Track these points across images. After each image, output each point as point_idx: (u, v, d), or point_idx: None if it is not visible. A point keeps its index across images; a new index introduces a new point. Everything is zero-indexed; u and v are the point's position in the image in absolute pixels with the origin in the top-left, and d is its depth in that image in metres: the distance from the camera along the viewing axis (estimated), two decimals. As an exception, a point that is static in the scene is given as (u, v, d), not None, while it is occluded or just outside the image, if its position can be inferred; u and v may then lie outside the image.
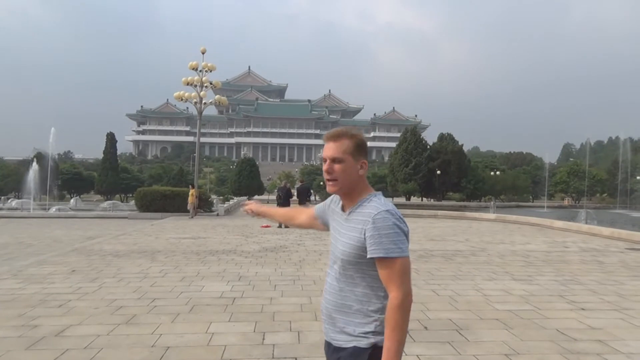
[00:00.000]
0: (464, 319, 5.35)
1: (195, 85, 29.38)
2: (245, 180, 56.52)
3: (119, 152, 61.46)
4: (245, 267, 8.60)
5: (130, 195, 40.90)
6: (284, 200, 17.68)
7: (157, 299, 6.17)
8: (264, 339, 4.63)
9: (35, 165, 33.25)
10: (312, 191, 20.97)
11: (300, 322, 5.18)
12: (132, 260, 9.35)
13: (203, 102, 30.30)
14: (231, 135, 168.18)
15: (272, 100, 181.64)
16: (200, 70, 29.26)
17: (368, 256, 1.75)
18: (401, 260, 1.73)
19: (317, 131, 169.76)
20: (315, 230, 2.30)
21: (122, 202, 38.34)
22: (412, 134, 62.96)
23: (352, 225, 1.82)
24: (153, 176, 54.96)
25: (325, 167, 1.85)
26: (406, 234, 1.78)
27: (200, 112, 30.80)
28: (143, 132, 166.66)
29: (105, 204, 32.44)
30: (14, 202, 32.38)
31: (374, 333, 1.79)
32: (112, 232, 14.98)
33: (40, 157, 39.87)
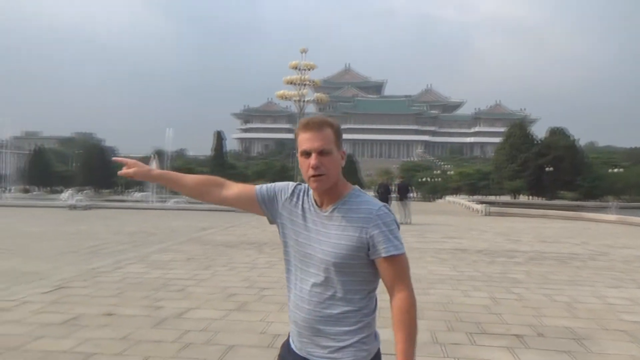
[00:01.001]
0: (585, 328, 4.93)
1: (296, 84, 30.31)
2: (344, 177, 57.29)
3: (227, 149, 65.41)
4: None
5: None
6: (383, 196, 17.60)
7: (265, 288, 6.46)
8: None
9: (154, 162, 36.53)
10: (411, 187, 20.59)
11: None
12: (242, 250, 9.90)
13: (304, 99, 31.17)
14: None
15: (370, 96, 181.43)
16: (300, 69, 30.16)
17: (374, 257, 1.60)
18: (405, 256, 1.65)
19: (416, 127, 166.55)
20: (242, 210, 1.90)
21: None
22: (519, 128, 59.26)
23: (343, 224, 1.61)
24: (257, 172, 57.78)
25: (313, 161, 1.58)
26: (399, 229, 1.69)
27: (301, 110, 31.70)
28: (247, 130, 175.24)
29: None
30: (137, 195, 35.85)
31: (366, 341, 1.64)
32: (222, 224, 15.96)
33: (158, 155, 43.70)
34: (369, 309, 1.66)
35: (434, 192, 52.82)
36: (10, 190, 36.55)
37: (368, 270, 1.64)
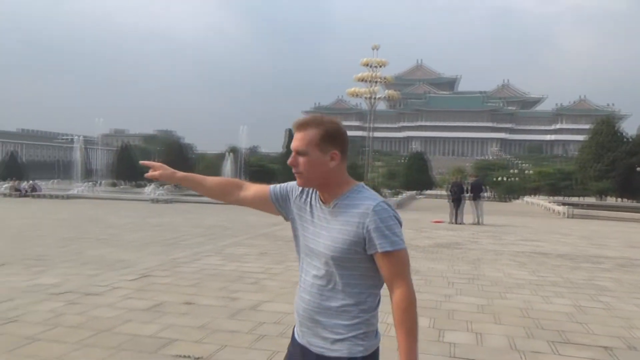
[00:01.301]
0: (685, 343, 4.50)
1: (367, 81, 30.16)
2: (415, 175, 56.20)
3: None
4: (418, 262, 8.54)
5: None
6: (457, 195, 17.08)
7: (336, 285, 6.49)
8: (442, 336, 4.54)
9: (229, 159, 37.97)
10: (485, 187, 19.76)
11: (480, 324, 4.95)
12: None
13: (375, 96, 30.95)
14: (401, 129, 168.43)
15: (442, 93, 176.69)
16: (371, 66, 29.96)
17: (370, 252, 1.60)
18: (404, 252, 1.61)
19: (492, 124, 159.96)
20: (259, 210, 1.94)
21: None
22: (606, 125, 55.04)
23: (343, 218, 1.64)
24: (327, 169, 58.34)
25: (289, 160, 1.67)
26: (401, 225, 1.65)
27: (372, 107, 31.50)
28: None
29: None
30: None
31: (363, 337, 1.63)
32: (292, 220, 16.27)
33: (232, 151, 45.32)
34: (369, 305, 1.65)
35: (510, 192, 50.47)
36: (100, 183, 39.45)
37: (367, 265, 1.63)
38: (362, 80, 30.35)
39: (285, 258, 8.49)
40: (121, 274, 6.79)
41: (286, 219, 1.84)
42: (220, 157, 62.09)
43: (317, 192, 1.74)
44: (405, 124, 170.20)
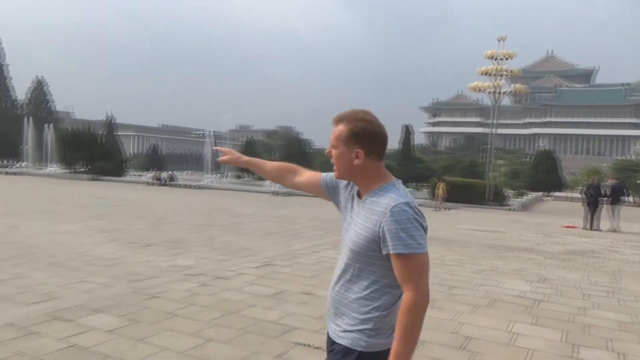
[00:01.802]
0: None
1: (492, 75, 28.54)
2: (542, 175, 52.13)
3: (414, 143, 65.46)
4: (547, 269, 7.90)
5: (424, 184, 42.85)
6: (594, 198, 15.47)
7: (455, 287, 6.26)
8: (576, 352, 4.15)
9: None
10: (626, 190, 17.54)
11: (622, 343, 4.43)
12: (429, 246, 9.74)
13: (500, 91, 29.19)
14: (526, 125, 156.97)
15: (576, 85, 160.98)
16: (497, 59, 28.27)
17: (385, 252, 1.59)
18: (421, 257, 1.58)
19: (635, 120, 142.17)
20: (312, 195, 2.02)
21: (416, 190, 40.73)
22: None
23: (366, 214, 1.66)
24: (444, 167, 56.42)
25: (326, 151, 1.74)
26: (425, 229, 1.61)
27: (496, 102, 29.78)
28: (435, 124, 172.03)
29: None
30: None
31: (369, 334, 1.64)
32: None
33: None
34: (382, 303, 1.65)
35: (657, 197, 44.55)
36: (227, 175, 42.51)
37: (384, 263, 1.62)
38: (486, 74, 28.77)
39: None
40: (246, 260, 7.24)
41: (337, 207, 1.87)
42: (336, 152, 63.45)
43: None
44: (532, 119, 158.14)
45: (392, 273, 1.63)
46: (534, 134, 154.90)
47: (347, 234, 1.72)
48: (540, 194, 42.39)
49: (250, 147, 68.49)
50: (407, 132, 61.74)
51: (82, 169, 34.31)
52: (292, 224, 12.26)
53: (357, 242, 1.65)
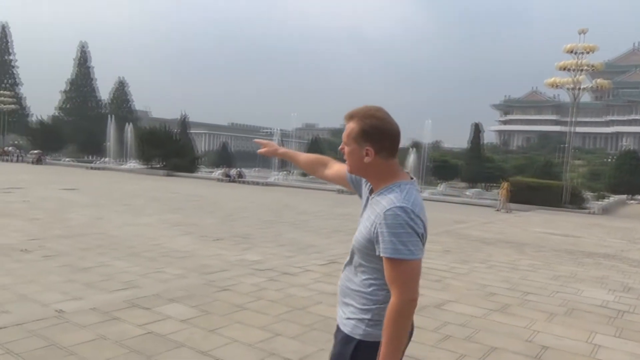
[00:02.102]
0: None
1: (571, 70, 26.90)
2: (625, 176, 48.49)
3: (483, 142, 63.20)
4: (632, 278, 7.35)
5: (493, 184, 41.30)
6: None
7: (529, 293, 5.97)
8: (667, 369, 3.82)
9: (412, 153, 37.95)
10: None
11: None
12: (500, 249, 9.40)
13: (580, 87, 27.46)
14: (608, 123, 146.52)
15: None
16: (576, 53, 26.60)
17: (377, 253, 1.61)
18: (409, 264, 1.56)
19: None
20: (340, 186, 2.12)
21: (485, 190, 39.27)
22: None
23: (368, 213, 1.70)
24: (517, 166, 53.93)
25: (340, 147, 1.77)
26: (420, 235, 1.58)
27: (575, 99, 28.08)
28: (507, 122, 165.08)
29: (470, 191, 33.90)
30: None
31: (368, 324, 1.69)
32: (477, 219, 15.49)
33: (415, 146, 45.17)
34: (380, 298, 1.68)
35: None
36: (293, 172, 43.19)
37: (380, 262, 1.63)
38: (565, 69, 27.15)
39: (470, 258, 8.12)
40: (312, 258, 7.31)
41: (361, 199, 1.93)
42: (403, 151, 62.51)
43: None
44: (615, 117, 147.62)
45: None
46: (617, 133, 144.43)
47: (357, 229, 1.78)
48: (624, 196, 39.45)
49: (315, 145, 69.12)
50: (477, 130, 59.73)
51: (158, 165, 36.18)
52: (357, 222, 12.22)
53: (358, 238, 1.71)
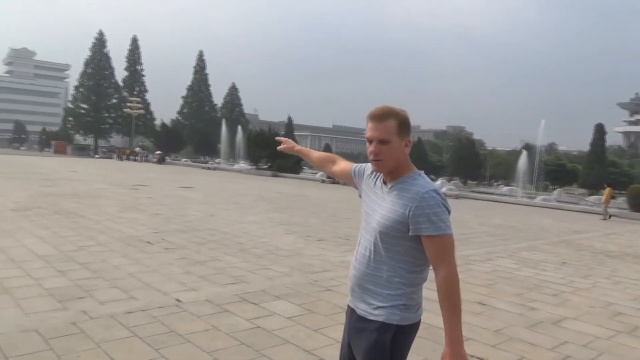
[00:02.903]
0: None
1: None
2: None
3: (606, 144, 57.36)
4: None
5: (620, 191, 37.39)
6: None
7: (665, 316, 5.28)
8: None
9: (523, 156, 35.58)
10: None
11: None
12: (627, 264, 8.45)
13: None
14: None
15: None
16: None
17: (412, 233, 1.74)
18: (449, 237, 1.74)
19: None
20: (346, 184, 2.24)
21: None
22: None
23: (394, 200, 1.80)
24: (647, 172, 48.28)
25: (371, 148, 1.81)
26: (450, 213, 1.75)
27: None
28: (636, 123, 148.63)
29: (591, 198, 30.94)
30: (503, 188, 35.79)
31: (402, 308, 1.77)
32: (599, 229, 14.10)
33: (527, 149, 42.25)
34: (410, 280, 1.79)
35: None
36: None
37: (410, 244, 1.77)
38: None
39: (592, 272, 7.40)
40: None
41: (360, 196, 2.04)
42: (513, 154, 58.85)
43: (381, 174, 1.91)
44: None
45: (418, 253, 1.78)
46: None
47: (373, 216, 1.86)
48: None
49: (418, 148, 67.79)
50: (600, 131, 54.36)
51: (265, 166, 37.85)
52: (462, 228, 11.73)
53: (384, 224, 1.79)
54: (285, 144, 2.52)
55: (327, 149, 78.82)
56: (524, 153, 36.33)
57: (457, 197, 24.68)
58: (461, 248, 8.78)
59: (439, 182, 32.15)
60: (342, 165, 2.25)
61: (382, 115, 1.81)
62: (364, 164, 2.12)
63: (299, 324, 4.19)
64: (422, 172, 1.88)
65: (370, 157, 1.84)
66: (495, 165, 64.72)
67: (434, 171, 65.14)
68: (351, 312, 1.94)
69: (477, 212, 16.79)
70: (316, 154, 2.44)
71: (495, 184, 54.64)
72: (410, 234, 1.75)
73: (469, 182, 57.88)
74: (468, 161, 57.41)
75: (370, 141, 1.83)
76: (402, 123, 1.82)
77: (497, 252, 8.58)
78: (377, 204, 1.87)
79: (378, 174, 1.95)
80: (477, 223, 13.28)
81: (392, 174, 1.86)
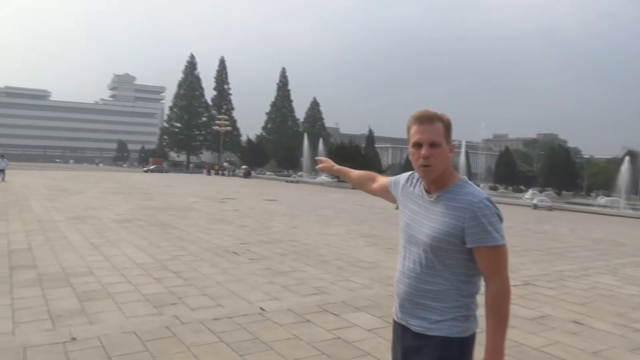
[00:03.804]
0: None
1: None
2: None
3: None
4: None
5: None
6: None
7: None
8: None
9: (626, 164, 32.62)
10: None
11: None
12: None
13: None
14: None
15: None
16: None
17: (469, 245, 1.65)
18: (504, 248, 1.67)
19: None
20: (384, 200, 2.13)
21: None
22: None
23: (444, 210, 1.70)
24: None
25: (423, 152, 1.70)
26: (502, 221, 1.69)
27: None
28: None
29: None
30: (603, 200, 33.00)
31: (462, 320, 1.69)
32: None
33: (631, 156, 38.70)
34: (467, 291, 1.71)
35: None
36: (479, 186, 41.06)
37: (463, 256, 1.68)
38: None
39: None
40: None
41: (397, 208, 1.94)
42: (614, 162, 54.24)
43: (423, 182, 1.81)
44: None
45: (471, 264, 1.69)
46: None
47: (419, 230, 1.76)
48: None
49: (506, 157, 64.75)
50: None
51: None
52: (556, 241, 10.99)
53: (436, 236, 1.69)
54: (325, 163, 2.48)
55: (408, 161, 77.59)
56: (627, 160, 33.32)
57: (550, 208, 23.19)
58: (555, 262, 8.24)
59: (529, 193, 30.41)
60: (381, 181, 2.17)
61: (430, 118, 1.72)
62: (399, 175, 2.03)
63: (379, 337, 4.16)
64: (465, 177, 1.79)
65: (420, 163, 1.72)
66: (593, 175, 60.05)
67: (524, 182, 61.72)
68: (403, 330, 1.82)
69: (573, 225, 15.65)
70: (356, 173, 2.35)
71: (595, 194, 50.52)
72: (467, 246, 1.66)
73: (564, 193, 54.12)
74: (562, 170, 53.78)
75: (419, 145, 1.72)
76: (448, 126, 1.74)
77: (596, 268, 7.93)
78: (423, 215, 1.77)
79: (415, 181, 1.87)
80: (573, 237, 12.38)
81: (437, 182, 1.75)
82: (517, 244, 10.25)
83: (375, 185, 2.19)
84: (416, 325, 1.75)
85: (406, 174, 1.96)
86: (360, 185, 2.31)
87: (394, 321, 1.90)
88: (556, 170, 54.13)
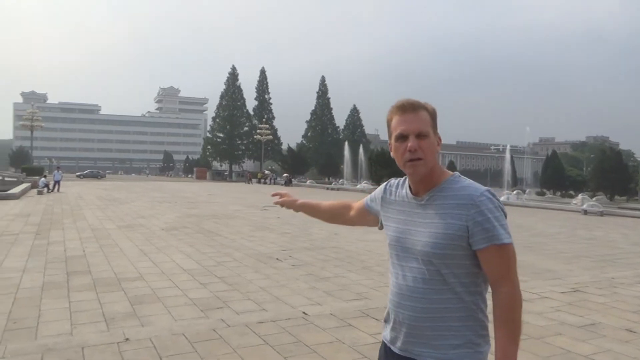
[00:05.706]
0: None
1: None
2: None
3: None
4: None
5: None
6: None
7: None
8: None
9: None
10: None
11: None
12: None
13: None
14: None
15: None
16: None
17: (476, 247, 1.43)
18: (513, 247, 1.45)
19: None
20: (366, 226, 1.89)
21: None
22: None
23: (440, 211, 1.47)
24: None
25: (410, 144, 1.46)
26: (506, 217, 1.47)
27: None
28: None
29: None
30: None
31: (481, 341, 1.47)
32: None
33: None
34: (479, 305, 1.49)
35: None
36: (526, 192, 39.88)
37: (471, 262, 1.47)
38: None
39: None
40: (550, 284, 6.62)
41: (380, 227, 1.72)
42: (671, 165, 51.42)
43: (406, 185, 1.60)
44: None
45: (476, 269, 1.48)
46: None
47: (413, 240, 1.51)
48: None
49: (553, 161, 62.63)
50: None
51: (387, 185, 37.89)
52: (607, 247, 10.55)
53: (438, 243, 1.46)
54: (285, 197, 2.11)
55: (451, 166, 76.22)
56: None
57: (601, 214, 22.23)
58: (606, 269, 7.93)
59: (579, 198, 29.26)
60: (355, 208, 1.90)
61: (414, 106, 1.51)
62: (373, 192, 1.82)
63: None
64: (457, 172, 1.58)
65: (407, 157, 1.48)
66: (648, 178, 57.00)
67: (573, 186, 59.40)
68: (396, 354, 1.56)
69: (627, 231, 14.95)
70: (325, 205, 2.03)
71: (650, 198, 48.06)
72: (473, 248, 1.44)
73: (617, 197, 51.71)
74: (614, 175, 51.37)
75: (404, 137, 1.49)
76: (433, 116, 1.54)
77: (652, 275, 7.57)
78: (415, 223, 1.53)
79: (395, 188, 1.66)
80: (627, 243, 11.83)
81: (426, 181, 1.53)
82: (566, 250, 9.92)
83: (352, 213, 1.92)
84: (430, 357, 1.48)
85: (381, 186, 1.74)
86: (333, 218, 2.01)
87: (387, 355, 1.62)
88: (608, 175, 51.75)
